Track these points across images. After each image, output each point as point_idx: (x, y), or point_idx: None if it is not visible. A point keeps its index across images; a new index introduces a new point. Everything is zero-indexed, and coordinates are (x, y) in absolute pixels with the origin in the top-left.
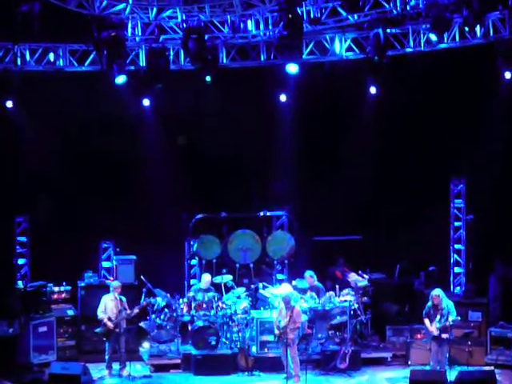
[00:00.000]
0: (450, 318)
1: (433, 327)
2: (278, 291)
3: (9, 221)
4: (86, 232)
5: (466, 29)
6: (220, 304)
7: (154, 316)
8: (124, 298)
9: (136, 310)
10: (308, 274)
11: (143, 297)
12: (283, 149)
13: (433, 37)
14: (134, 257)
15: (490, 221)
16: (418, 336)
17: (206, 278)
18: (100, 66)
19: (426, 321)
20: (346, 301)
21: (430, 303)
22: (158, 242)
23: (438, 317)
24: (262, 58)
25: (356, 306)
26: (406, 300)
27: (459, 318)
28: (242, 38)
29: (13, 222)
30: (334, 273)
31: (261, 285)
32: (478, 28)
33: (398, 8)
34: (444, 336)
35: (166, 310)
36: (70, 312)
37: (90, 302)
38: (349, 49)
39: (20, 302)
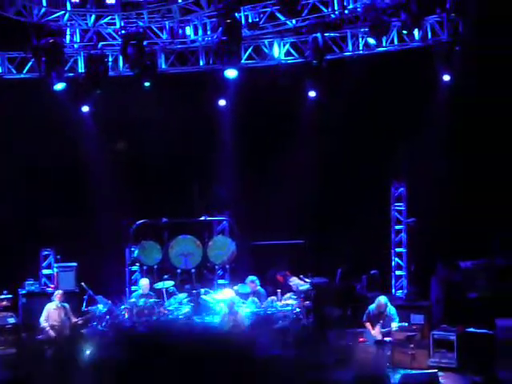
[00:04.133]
0: (394, 324)
1: (376, 331)
2: (220, 296)
3: None
4: (26, 239)
5: (404, 32)
6: (162, 310)
7: (95, 323)
8: (67, 305)
9: (80, 321)
10: (250, 279)
11: (85, 304)
12: (223, 153)
13: (371, 40)
14: (75, 264)
15: (431, 224)
16: (362, 339)
17: (144, 282)
18: (39, 73)
19: (368, 325)
20: (287, 305)
21: (372, 307)
22: (99, 248)
23: (381, 322)
24: (201, 63)
25: (298, 310)
26: (348, 304)
27: (406, 324)
28: (181, 44)
29: None
30: (276, 277)
31: (202, 290)
32: (416, 31)
33: (336, 12)
34: (387, 339)
35: (108, 316)
36: (11, 320)
37: (31, 310)
38: (287, 53)
39: None
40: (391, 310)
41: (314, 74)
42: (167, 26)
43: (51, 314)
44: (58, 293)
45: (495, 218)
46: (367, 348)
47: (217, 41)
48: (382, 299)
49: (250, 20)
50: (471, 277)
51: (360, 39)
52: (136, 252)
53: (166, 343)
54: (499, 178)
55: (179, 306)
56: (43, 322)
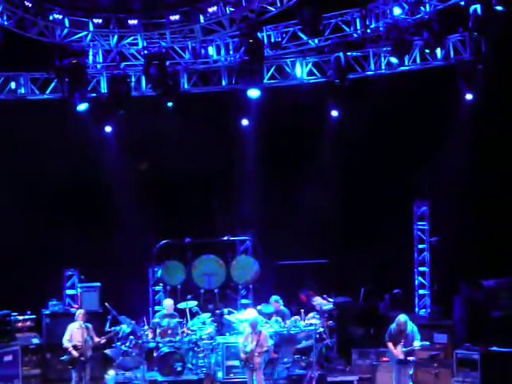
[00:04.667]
0: (417, 343)
1: (397, 350)
2: (244, 316)
3: None
4: (49, 259)
5: (427, 51)
6: (185, 330)
7: (119, 343)
8: (90, 325)
9: (103, 340)
10: (274, 299)
11: (108, 324)
12: (246, 173)
13: (393, 59)
14: (99, 284)
15: (454, 243)
16: (384, 359)
17: (168, 302)
18: (62, 93)
19: (390, 344)
20: (311, 325)
21: (393, 326)
22: (123, 268)
23: (403, 341)
24: (224, 83)
25: (321, 329)
26: (372, 323)
27: (428, 343)
28: (204, 64)
29: None
30: (299, 297)
31: (226, 310)
32: (438, 50)
33: (359, 31)
34: (410, 358)
35: (131, 336)
36: (35, 340)
37: (55, 330)
38: (310, 73)
39: None
40: (412, 328)
41: (337, 94)
42: (190, 46)
43: (74, 334)
44: (80, 312)
45: None
46: (390, 368)
47: (239, 60)
48: (402, 317)
49: (272, 40)
50: (494, 296)
51: (382, 58)
52: (159, 272)
53: None
54: None
55: (202, 325)
56: (66, 342)
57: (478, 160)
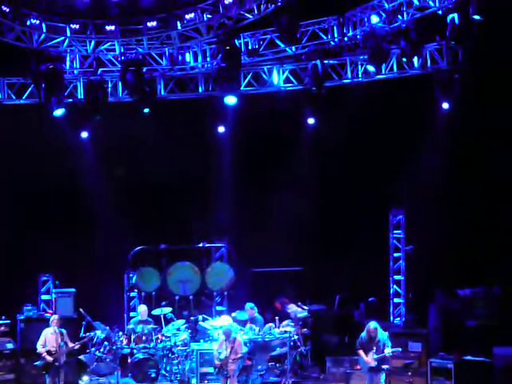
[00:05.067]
0: (388, 350)
1: (369, 358)
2: (218, 323)
3: None
4: (25, 264)
5: (404, 60)
6: (160, 336)
7: (93, 349)
8: (64, 331)
9: (77, 346)
10: (249, 305)
11: (83, 330)
12: (222, 180)
13: (370, 67)
14: (74, 290)
15: (430, 251)
16: (358, 367)
17: (142, 308)
18: (38, 98)
19: (361, 352)
20: (285, 332)
21: (364, 334)
22: (98, 274)
23: (374, 348)
24: (201, 90)
25: (296, 337)
26: (346, 331)
27: (400, 349)
28: (181, 70)
29: None
30: (274, 304)
31: (200, 317)
32: (415, 59)
33: (336, 39)
34: (384, 367)
35: (106, 342)
36: (10, 345)
37: (30, 336)
38: (287, 80)
39: None
40: (382, 335)
41: (313, 101)
42: (167, 53)
43: (48, 339)
44: (55, 318)
45: (493, 246)
46: (364, 376)
47: (216, 67)
48: (372, 325)
49: (249, 47)
50: (469, 305)
51: (359, 66)
52: (134, 278)
53: None
54: (498, 205)
55: (177, 332)
56: (40, 347)
57: (454, 169)
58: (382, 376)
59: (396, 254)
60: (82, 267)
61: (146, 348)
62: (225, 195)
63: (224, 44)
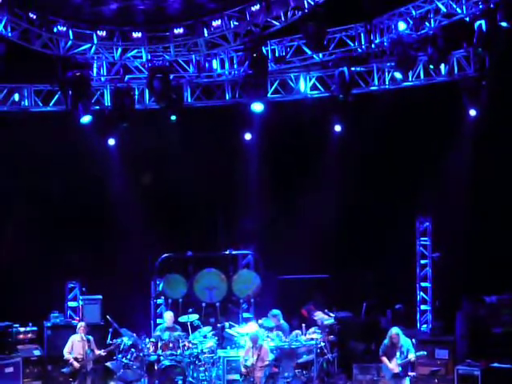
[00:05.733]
0: (412, 355)
1: (393, 365)
2: (245, 330)
3: None
4: (51, 272)
5: (431, 67)
6: (186, 343)
7: (120, 356)
8: (91, 338)
9: (104, 353)
10: (272, 313)
11: (110, 337)
12: (249, 187)
13: (397, 75)
14: (100, 296)
15: (456, 258)
16: (382, 374)
17: (168, 315)
18: (65, 106)
19: (385, 359)
20: (312, 339)
21: (386, 341)
22: (124, 281)
23: (398, 354)
24: (227, 97)
25: (322, 344)
26: (373, 338)
27: (425, 353)
28: (207, 77)
29: None
30: (301, 311)
31: (227, 324)
32: (442, 66)
33: (363, 46)
34: (410, 374)
35: (133, 349)
36: (37, 352)
37: (57, 342)
38: (314, 87)
39: None
40: (405, 341)
41: (340, 108)
42: (194, 60)
43: (75, 346)
44: (81, 325)
45: None
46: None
47: (243, 74)
48: (394, 330)
49: (276, 54)
50: (496, 312)
51: (386, 74)
52: (161, 285)
53: None
54: None
55: (204, 339)
56: (67, 354)
57: (480, 176)
58: (407, 382)
59: (423, 261)
60: (108, 274)
61: (173, 355)
62: (251, 202)
63: (251, 51)
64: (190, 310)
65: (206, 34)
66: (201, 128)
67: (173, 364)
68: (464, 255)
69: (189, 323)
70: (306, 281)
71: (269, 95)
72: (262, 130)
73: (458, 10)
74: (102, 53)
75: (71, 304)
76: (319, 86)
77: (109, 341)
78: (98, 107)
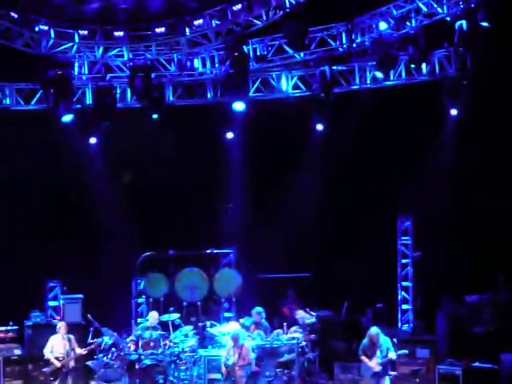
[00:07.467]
0: (392, 354)
1: (373, 363)
2: (226, 329)
3: None
4: (32, 270)
5: (412, 66)
6: (167, 342)
7: (101, 355)
8: (72, 337)
9: (85, 352)
10: (256, 310)
11: (90, 336)
12: (230, 186)
13: (379, 74)
14: (81, 296)
15: (437, 258)
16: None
17: (154, 315)
18: (47, 104)
19: (364, 358)
20: (293, 338)
21: (365, 340)
22: (105, 280)
23: (379, 352)
24: (209, 96)
25: (304, 343)
26: (354, 337)
27: (407, 351)
28: (189, 76)
29: None
30: (282, 310)
31: (208, 323)
32: (423, 65)
33: (344, 46)
34: (392, 373)
35: (114, 348)
36: (17, 351)
37: (37, 342)
38: (295, 86)
39: None
40: (385, 340)
41: (322, 107)
42: (175, 59)
43: (56, 345)
44: (62, 324)
45: (501, 253)
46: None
47: (225, 73)
48: (373, 330)
49: (258, 53)
50: (477, 311)
51: (368, 73)
52: (142, 284)
53: None
54: (506, 212)
55: (185, 338)
56: (47, 353)
57: (462, 175)
58: (387, 381)
59: (404, 261)
60: (89, 273)
61: (154, 354)
62: (233, 201)
63: (232, 50)
64: (172, 309)
65: (187, 33)
66: (182, 127)
67: (154, 363)
68: (445, 255)
69: (170, 322)
70: (288, 280)
71: (250, 94)
72: (244, 129)
73: (439, 10)
74: (84, 52)
75: (52, 303)
76: (301, 85)
77: (90, 340)
78: (79, 106)
